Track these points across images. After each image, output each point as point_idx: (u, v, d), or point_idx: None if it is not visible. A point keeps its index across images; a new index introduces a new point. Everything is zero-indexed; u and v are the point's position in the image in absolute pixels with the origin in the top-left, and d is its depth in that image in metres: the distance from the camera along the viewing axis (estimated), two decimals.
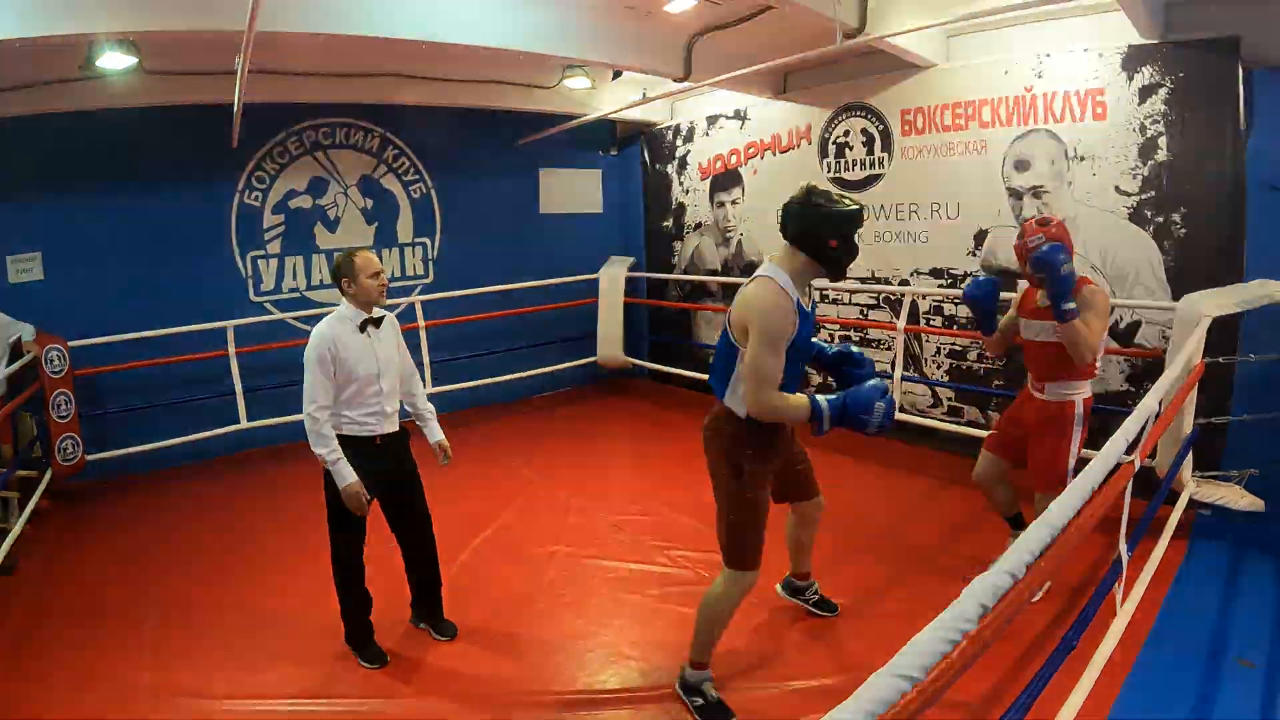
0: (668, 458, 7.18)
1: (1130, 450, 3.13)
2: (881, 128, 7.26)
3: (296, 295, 8.21)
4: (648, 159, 10.17)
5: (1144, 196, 5.55)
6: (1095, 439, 3.73)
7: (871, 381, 3.26)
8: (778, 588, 4.40)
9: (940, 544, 5.24)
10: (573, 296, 9.78)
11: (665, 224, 10.02)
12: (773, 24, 6.10)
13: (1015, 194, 6.30)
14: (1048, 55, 5.95)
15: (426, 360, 8.28)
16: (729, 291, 8.27)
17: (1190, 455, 4.91)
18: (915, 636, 1.59)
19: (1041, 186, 6.12)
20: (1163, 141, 5.42)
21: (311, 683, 3.92)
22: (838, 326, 7.90)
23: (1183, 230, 5.40)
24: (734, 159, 8.88)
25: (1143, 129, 5.50)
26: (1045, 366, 4.26)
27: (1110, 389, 5.74)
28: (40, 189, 6.80)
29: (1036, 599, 4.15)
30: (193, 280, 7.56)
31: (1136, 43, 5.42)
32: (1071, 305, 3.85)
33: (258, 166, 7.90)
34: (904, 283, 7.22)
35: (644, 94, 8.16)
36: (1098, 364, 4.19)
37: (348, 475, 3.76)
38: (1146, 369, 5.61)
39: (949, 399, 7.06)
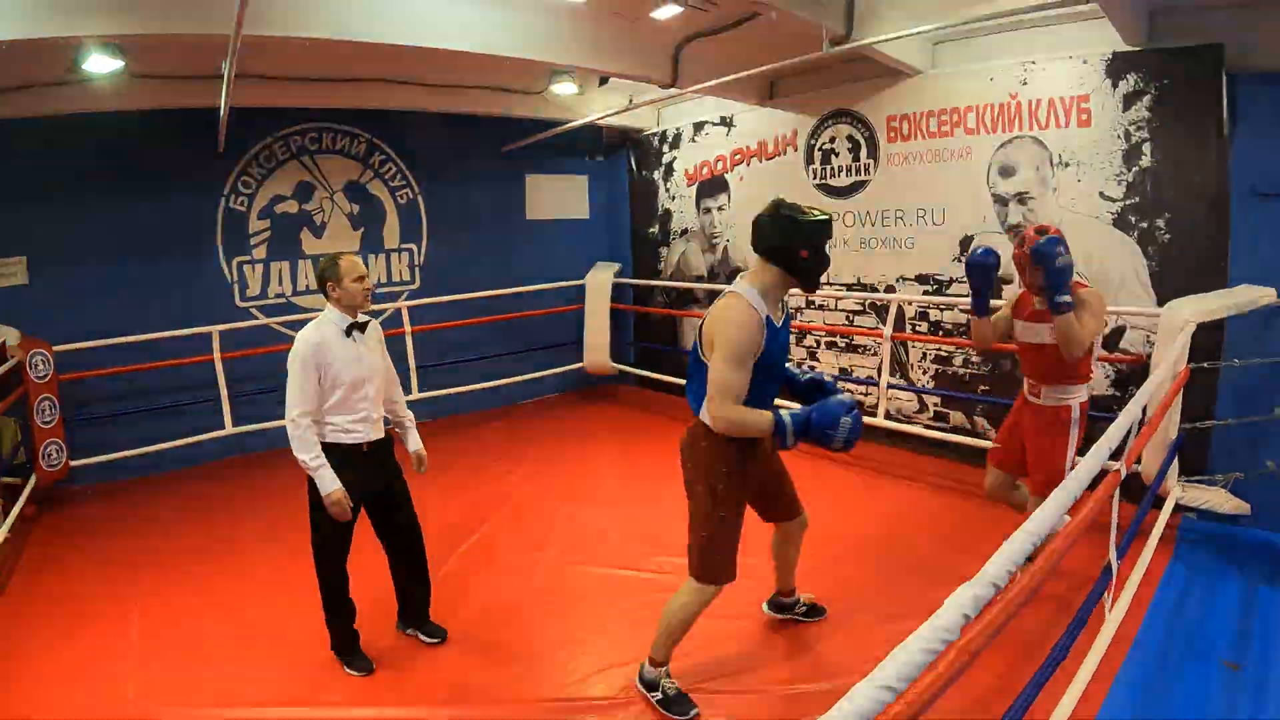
0: (654, 463, 7.12)
1: (1115, 457, 3.13)
2: (867, 134, 7.26)
3: (282, 301, 8.14)
4: (634, 165, 10.15)
5: (1128, 202, 5.56)
6: (1085, 445, 3.72)
7: (838, 397, 3.26)
8: (764, 607, 4.36)
9: (928, 549, 5.21)
10: (559, 302, 9.75)
11: (651, 230, 9.99)
12: (760, 31, 6.07)
13: (1000, 200, 6.31)
14: (1033, 62, 5.96)
15: (413, 366, 8.22)
16: (715, 298, 8.27)
17: (1176, 460, 4.91)
18: (897, 648, 1.58)
19: (1027, 193, 6.12)
20: (1147, 148, 5.43)
21: (298, 691, 3.87)
22: (824, 333, 7.90)
23: (1167, 236, 5.41)
24: (720, 165, 8.87)
25: (1127, 135, 5.51)
26: (1041, 370, 4.27)
27: (1095, 394, 5.70)
28: (25, 193, 6.72)
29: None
30: (178, 285, 7.50)
31: (1121, 50, 5.43)
32: (1066, 298, 3.87)
33: (244, 171, 7.83)
34: (890, 289, 7.22)
35: (630, 100, 8.14)
36: (1092, 368, 4.22)
37: (331, 482, 3.71)
38: (1131, 374, 5.62)
39: (935, 405, 7.05)
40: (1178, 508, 4.97)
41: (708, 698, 3.65)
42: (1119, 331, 5.65)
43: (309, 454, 3.71)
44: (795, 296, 7.81)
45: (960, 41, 6.46)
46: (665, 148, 9.60)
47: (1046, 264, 3.86)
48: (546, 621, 4.47)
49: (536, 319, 9.60)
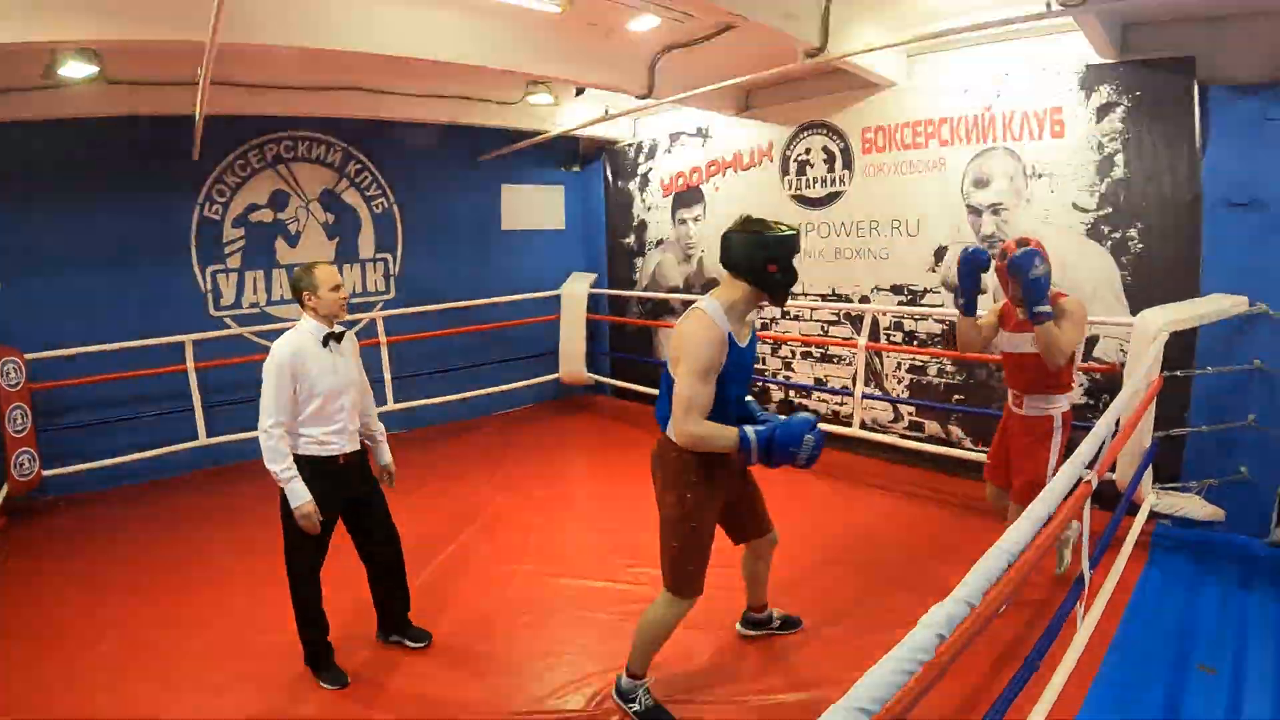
0: (630, 474, 7.04)
1: (1089, 467, 3.14)
2: (842, 146, 7.27)
3: (256, 310, 8.02)
4: (610, 176, 10.11)
5: (1101, 213, 5.59)
6: (1068, 453, 3.72)
7: (801, 414, 3.28)
8: (738, 627, 4.31)
9: (903, 559, 5.19)
10: (535, 313, 9.69)
11: (627, 241, 9.96)
12: (735, 42, 6.07)
13: (974, 211, 6.33)
14: (1007, 75, 5.99)
15: (388, 377, 8.11)
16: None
17: (1150, 468, 4.92)
18: (872, 668, 1.56)
19: (1000, 204, 6.14)
20: (1120, 159, 5.47)
21: (272, 704, 3.80)
22: (799, 343, 7.89)
23: (1140, 246, 5.44)
24: (696, 176, 8.86)
25: (1100, 147, 5.54)
26: (1024, 380, 4.30)
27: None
28: None
29: (1000, 612, 4.13)
30: (152, 294, 7.37)
31: (1094, 62, 5.48)
32: (1045, 308, 3.90)
33: (218, 179, 7.72)
34: (865, 300, 7.22)
35: (606, 111, 8.12)
36: (1074, 378, 4.25)
37: (302, 494, 3.65)
38: (1104, 383, 5.64)
39: (910, 414, 7.05)
40: (1153, 514, 4.99)
41: (684, 709, 3.62)
42: (1092, 340, 5.66)
43: (280, 465, 3.65)
44: (768, 308, 7.82)
45: (935, 54, 6.49)
46: (641, 158, 9.58)
47: (1022, 276, 3.90)
48: (522, 634, 4.41)
49: (512, 329, 9.53)
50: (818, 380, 7.78)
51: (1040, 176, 5.89)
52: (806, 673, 3.95)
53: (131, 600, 4.94)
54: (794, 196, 7.74)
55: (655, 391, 8.25)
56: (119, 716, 3.73)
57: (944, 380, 6.75)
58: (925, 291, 6.76)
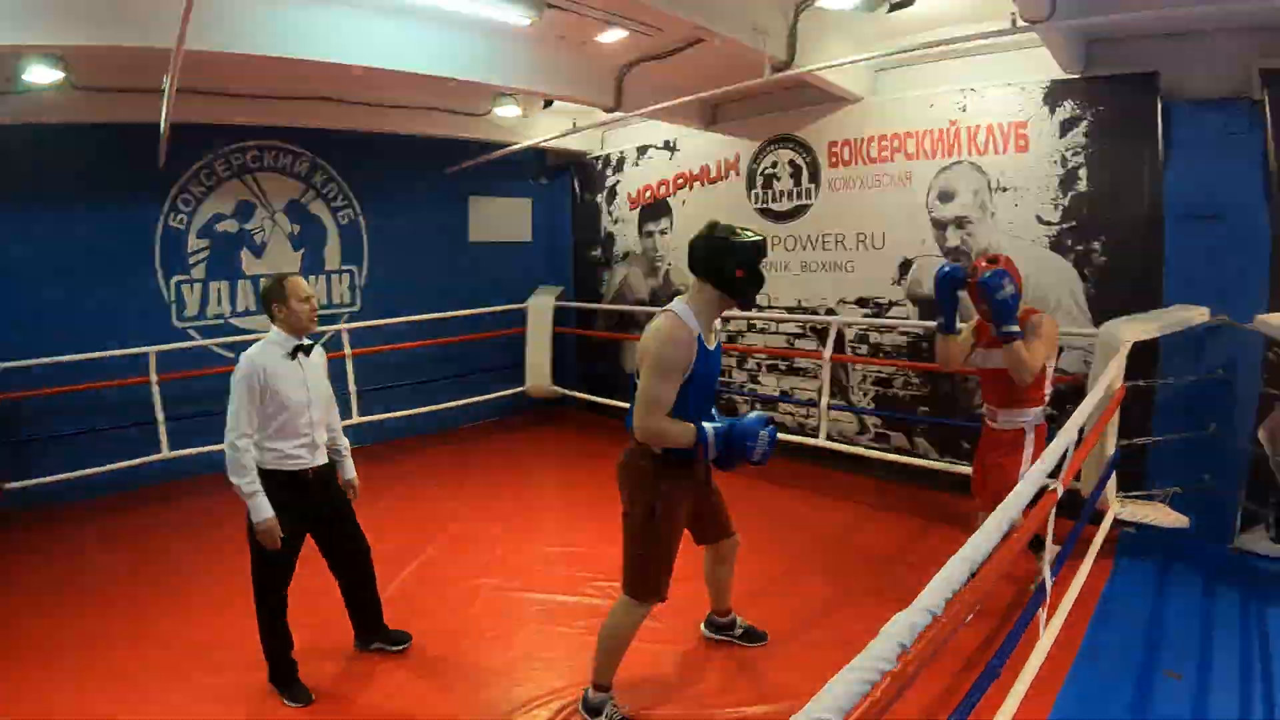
0: (596, 487, 6.94)
1: (1053, 476, 3.17)
2: (809, 159, 7.29)
3: (221, 322, 7.86)
4: (577, 188, 10.07)
5: (1065, 226, 5.63)
6: None
7: (755, 413, 3.42)
8: (702, 627, 4.33)
9: (871, 570, 5.17)
10: (501, 325, 9.58)
11: (594, 253, 9.91)
12: (703, 56, 6.08)
13: (939, 224, 6.36)
14: (972, 89, 6.04)
15: (353, 390, 7.95)
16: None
17: (1114, 476, 4.95)
18: (832, 679, 1.54)
19: (965, 217, 6.18)
20: (1083, 173, 5.52)
21: None
22: (765, 355, 7.88)
23: (1103, 258, 5.49)
24: (663, 189, 8.84)
25: (1064, 161, 5.59)
26: (997, 394, 4.34)
27: None
28: None
29: (965, 621, 4.15)
30: (115, 304, 7.21)
31: (1059, 77, 5.53)
32: (1012, 328, 3.94)
33: (184, 188, 7.58)
34: (830, 312, 7.22)
35: (574, 123, 8.10)
36: (1046, 391, 4.27)
37: (264, 510, 3.60)
38: (1068, 394, 5.66)
39: (876, 426, 7.05)
40: (1117, 522, 5.02)
41: None
42: (1057, 352, 5.69)
43: (244, 478, 3.59)
44: (737, 319, 7.83)
45: (901, 69, 6.52)
46: (609, 171, 9.55)
47: (989, 296, 3.93)
48: (488, 649, 4.35)
49: (479, 342, 9.42)
50: (784, 392, 7.77)
51: (1005, 190, 5.93)
52: (775, 684, 3.93)
53: (93, 615, 4.82)
54: (760, 210, 7.74)
55: (622, 404, 8.38)
56: None
57: (909, 392, 6.76)
58: (890, 304, 6.78)
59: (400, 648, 4.24)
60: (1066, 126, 5.56)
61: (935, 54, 6.04)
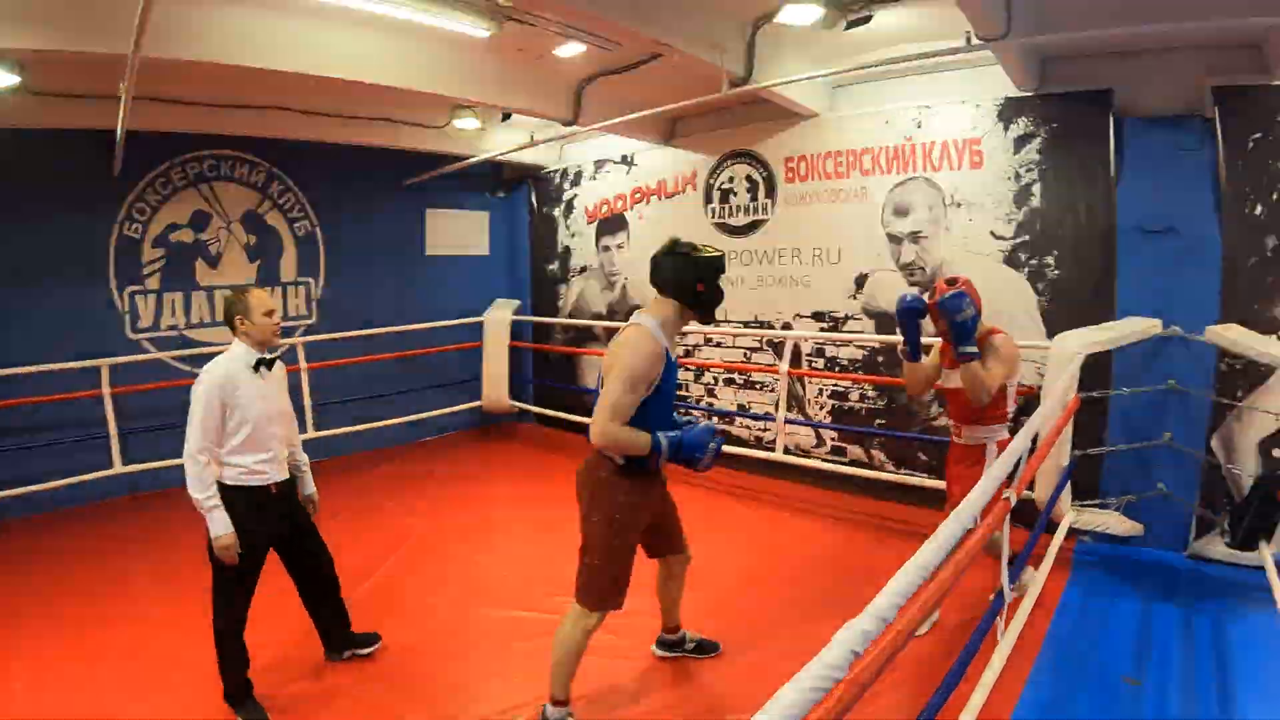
0: (553, 502, 6.82)
1: (1006, 485, 3.20)
2: (766, 174, 7.29)
3: (175, 334, 7.61)
4: (535, 202, 9.97)
5: (1019, 240, 5.68)
6: None
7: (703, 423, 3.50)
8: (653, 648, 4.28)
9: (827, 582, 5.13)
10: (458, 339, 9.44)
11: (551, 267, 9.82)
12: (661, 71, 6.05)
13: (895, 239, 6.38)
14: (928, 106, 6.08)
15: (308, 404, 7.77)
16: (613, 335, 8.20)
17: (1069, 485, 4.99)
18: (782, 687, 1.50)
19: (920, 232, 6.20)
20: (1037, 188, 5.57)
21: None
22: (722, 370, 7.84)
23: (1056, 272, 5.53)
24: (620, 204, 8.79)
25: (1018, 176, 5.64)
26: (961, 412, 4.34)
27: None
28: None
29: (923, 632, 4.25)
30: (67, 314, 6.94)
31: (1013, 95, 5.59)
32: (970, 349, 3.94)
33: (139, 197, 7.34)
34: (786, 326, 7.20)
35: (532, 137, 8.03)
36: (1010, 409, 4.27)
37: (223, 525, 3.53)
38: (1023, 406, 5.69)
39: (833, 439, 7.03)
40: (1073, 531, 5.05)
41: None
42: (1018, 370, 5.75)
43: (204, 493, 3.52)
44: (693, 333, 7.80)
45: (858, 85, 6.55)
46: (566, 185, 9.47)
47: (949, 317, 3.94)
48: (446, 665, 4.25)
49: (435, 356, 9.28)
50: (740, 406, 7.73)
51: (959, 205, 5.97)
52: (730, 696, 3.90)
53: (43, 633, 4.64)
54: (717, 224, 7.71)
55: (579, 419, 8.34)
56: None
57: (866, 405, 6.76)
58: (846, 318, 6.78)
59: (372, 649, 4.24)
60: (1021, 143, 5.61)
61: (892, 71, 6.07)
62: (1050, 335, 5.28)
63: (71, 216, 6.99)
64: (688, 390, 8.08)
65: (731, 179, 7.58)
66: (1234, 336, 4.63)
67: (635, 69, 6.31)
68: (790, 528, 6.28)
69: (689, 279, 3.40)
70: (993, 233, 5.80)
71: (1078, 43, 4.97)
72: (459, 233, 9.96)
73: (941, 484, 5.51)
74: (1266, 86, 4.78)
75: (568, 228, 9.51)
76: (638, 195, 8.57)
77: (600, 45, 5.74)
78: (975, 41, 4.67)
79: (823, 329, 6.96)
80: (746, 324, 7.51)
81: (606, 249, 9.04)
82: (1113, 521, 5.04)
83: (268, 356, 3.81)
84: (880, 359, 6.57)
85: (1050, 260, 5.55)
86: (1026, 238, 5.64)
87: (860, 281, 6.65)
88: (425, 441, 9.40)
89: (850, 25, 5.07)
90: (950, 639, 4.17)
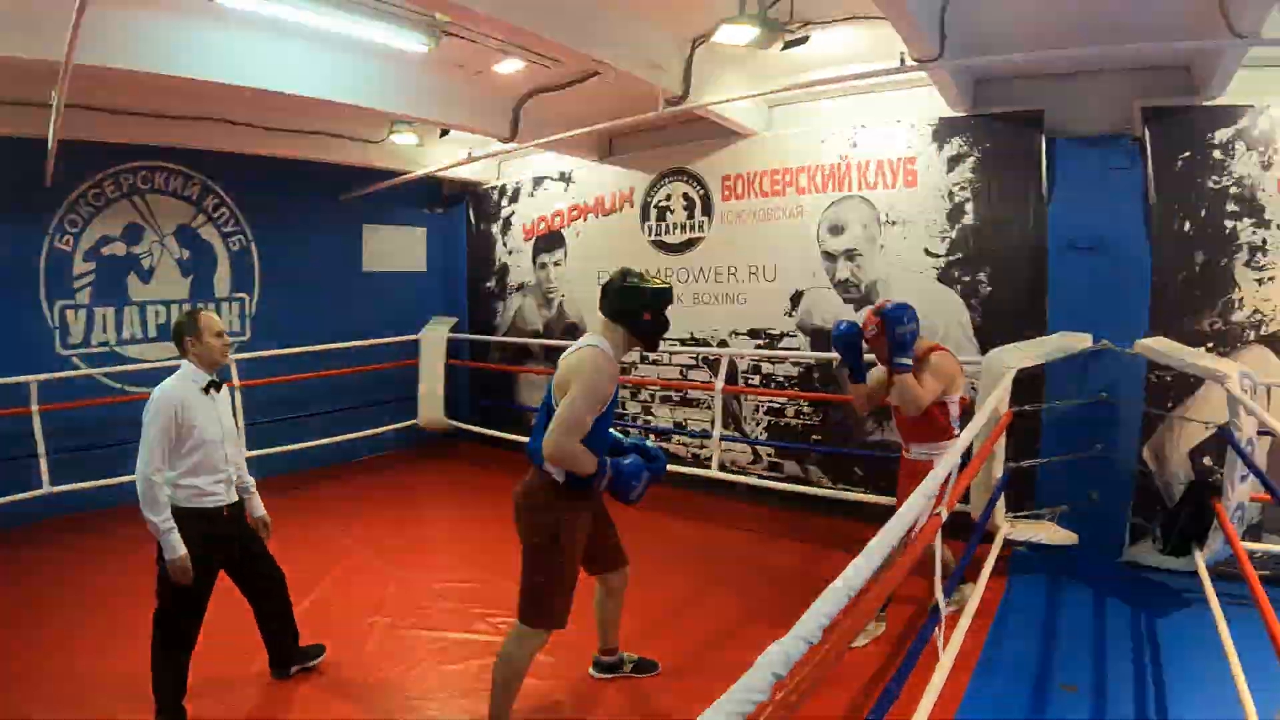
0: (490, 521, 6.66)
1: (937, 500, 3.21)
2: (702, 192, 7.23)
3: (106, 349, 7.22)
4: (473, 218, 9.77)
5: (952, 258, 5.69)
6: None
7: (633, 458, 3.55)
8: (591, 671, 4.16)
9: (764, 598, 5.05)
10: (394, 357, 9.16)
11: (488, 284, 9.61)
12: (599, 89, 5.99)
13: (830, 257, 6.36)
14: (863, 126, 6.08)
15: (242, 423, 7.41)
16: (550, 354, 8.04)
17: (1003, 497, 4.98)
18: (702, 713, 1.41)
19: (855, 250, 6.19)
20: (970, 207, 5.60)
21: None
22: (658, 387, 7.74)
23: (989, 289, 5.56)
24: (558, 220, 8.65)
25: (951, 195, 5.66)
26: (905, 429, 4.40)
27: None
28: None
29: (862, 644, 4.25)
30: None
31: (947, 115, 5.63)
32: (905, 360, 4.01)
33: (71, 209, 6.99)
34: (723, 343, 7.14)
35: (470, 153, 7.89)
36: (955, 426, 4.27)
37: (178, 547, 3.41)
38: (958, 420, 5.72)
39: (769, 455, 6.98)
40: (1008, 542, 5.04)
41: None
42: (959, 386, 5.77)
43: (160, 515, 3.41)
44: (631, 352, 7.70)
45: (794, 105, 6.54)
46: (504, 201, 9.29)
47: (889, 326, 4.00)
48: (382, 690, 4.08)
49: (371, 374, 9.00)
50: (678, 424, 7.63)
51: (894, 224, 5.97)
52: (668, 714, 3.83)
53: None
54: (654, 242, 7.63)
55: (516, 437, 8.17)
56: None
57: (802, 421, 6.71)
58: (783, 335, 6.74)
59: (317, 660, 4.18)
60: (954, 162, 5.64)
61: (828, 91, 6.08)
62: (983, 351, 5.25)
63: (1, 228, 6.65)
64: (624, 408, 7.93)
65: (669, 197, 7.51)
66: (1162, 349, 4.67)
67: (573, 86, 6.23)
68: (728, 543, 6.21)
69: (637, 308, 3.45)
70: (926, 250, 5.81)
71: (1010, 65, 5.01)
72: (397, 249, 9.71)
73: (879, 499, 5.56)
74: (1194, 107, 4.88)
75: (505, 245, 9.33)
76: (575, 213, 8.44)
77: (538, 62, 5.68)
78: (910, 63, 4.69)
79: (759, 346, 6.90)
80: (683, 341, 7.40)
81: (544, 266, 8.88)
82: (1047, 531, 5.04)
83: (216, 379, 3.73)
84: (816, 375, 6.54)
85: (983, 277, 5.58)
86: (960, 255, 5.66)
87: (796, 299, 6.61)
88: (361, 460, 9.08)
89: (787, 45, 5.06)
90: (895, 649, 4.16)
